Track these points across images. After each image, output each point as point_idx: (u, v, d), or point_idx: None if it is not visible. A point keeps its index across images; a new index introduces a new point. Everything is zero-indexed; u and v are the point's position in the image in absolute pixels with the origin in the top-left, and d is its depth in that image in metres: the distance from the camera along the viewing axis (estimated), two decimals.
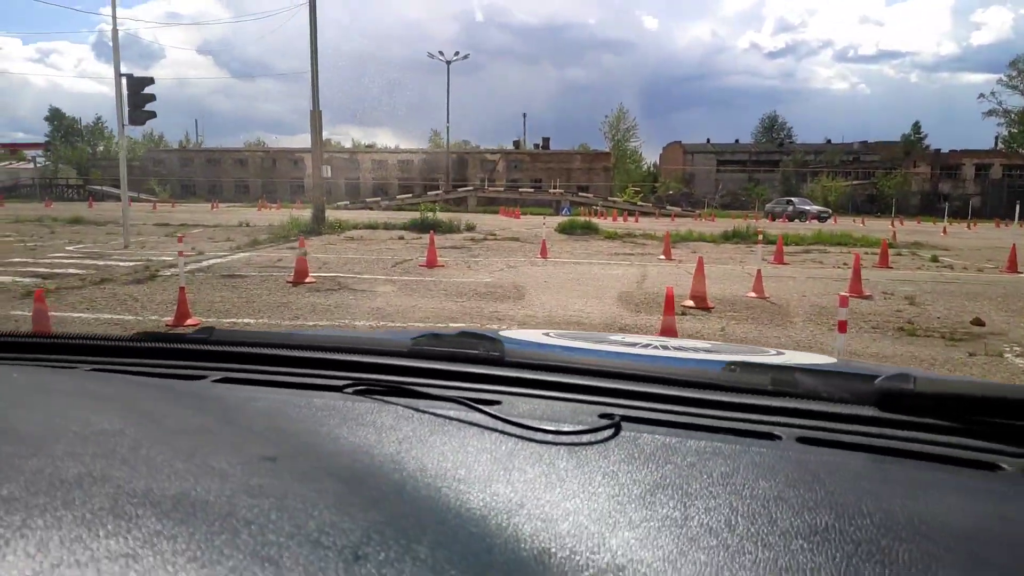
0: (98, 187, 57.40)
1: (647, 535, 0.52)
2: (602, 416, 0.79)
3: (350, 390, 0.89)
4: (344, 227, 21.12)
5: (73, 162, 68.33)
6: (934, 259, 15.56)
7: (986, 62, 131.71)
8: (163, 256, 12.85)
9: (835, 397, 0.85)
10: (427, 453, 0.67)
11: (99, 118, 74.67)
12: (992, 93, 70.52)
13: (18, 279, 9.59)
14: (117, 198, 48.29)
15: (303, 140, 57.42)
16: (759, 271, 9.43)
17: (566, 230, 19.77)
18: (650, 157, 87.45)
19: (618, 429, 0.76)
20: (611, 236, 19.54)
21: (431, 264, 11.91)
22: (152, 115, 14.55)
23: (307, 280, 9.65)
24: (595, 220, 23.49)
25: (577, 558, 0.49)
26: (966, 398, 0.78)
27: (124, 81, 14.29)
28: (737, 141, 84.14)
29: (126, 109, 14.28)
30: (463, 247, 16.06)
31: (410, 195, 53.52)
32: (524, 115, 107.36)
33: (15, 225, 20.96)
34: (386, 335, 1.34)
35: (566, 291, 9.23)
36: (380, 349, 1.10)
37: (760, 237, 12.15)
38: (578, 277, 10.93)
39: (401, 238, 18.28)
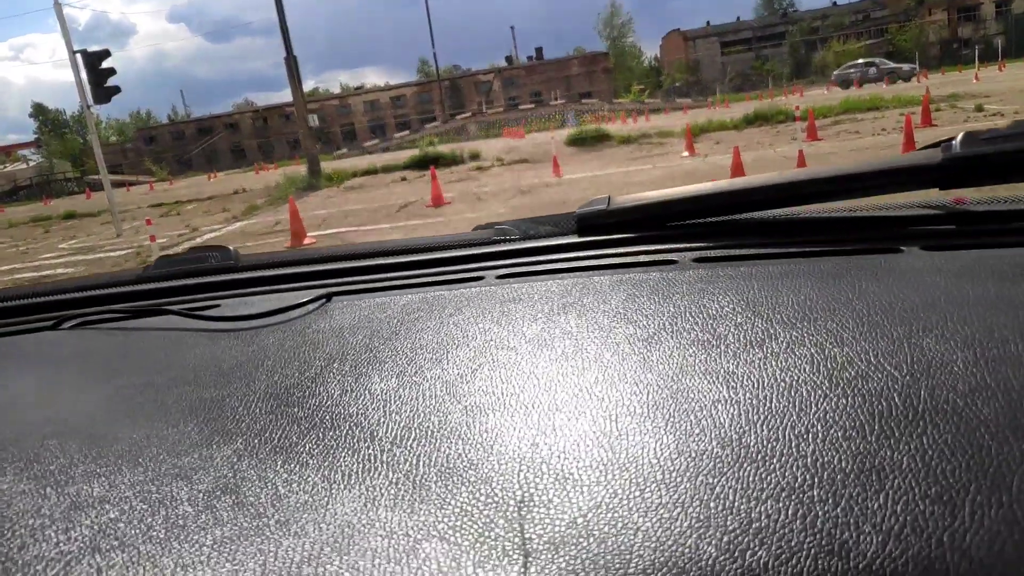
0: (95, 176, 56.60)
1: (356, 380, 0.58)
2: (316, 296, 0.82)
3: (66, 326, 0.88)
4: (343, 177, 20.05)
5: (67, 155, 67.37)
6: (979, 108, 14.18)
7: None
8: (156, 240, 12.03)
9: (543, 233, 0.89)
10: (137, 366, 0.70)
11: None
12: None
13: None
14: (114, 184, 47.55)
15: (290, 93, 55.44)
16: (801, 152, 8.32)
17: (576, 142, 18.49)
18: (650, 51, 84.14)
19: (328, 301, 0.82)
20: (625, 140, 18.25)
21: (437, 202, 10.94)
22: (116, 90, 13.46)
23: (305, 242, 8.78)
24: (605, 126, 22.09)
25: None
26: (644, 208, 0.84)
27: (79, 59, 13.17)
28: (738, 19, 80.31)
29: (88, 88, 13.21)
30: (469, 178, 15.00)
31: (407, 132, 51.89)
32: (512, 28, 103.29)
33: (9, 231, 20.27)
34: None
35: None
36: (106, 282, 1.04)
37: (797, 112, 10.87)
38: (599, 191, 9.89)
39: (404, 179, 17.21)
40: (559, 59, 69.72)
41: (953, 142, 0.69)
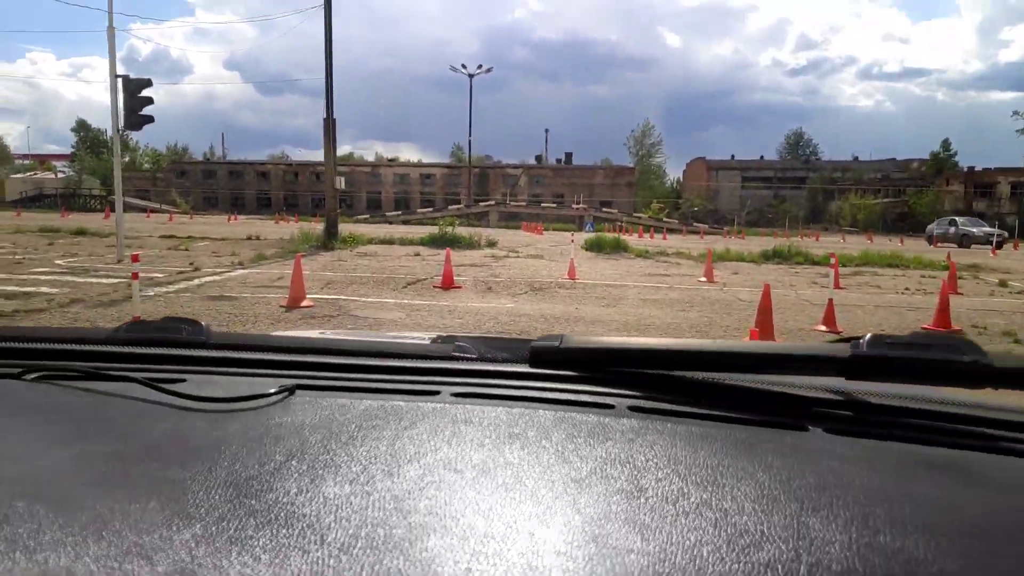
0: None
1: (312, 481, 0.59)
2: (281, 387, 0.84)
3: (30, 377, 0.88)
4: (358, 241, 19.97)
5: (99, 173, 68.36)
6: (1003, 284, 14.03)
7: (1015, 80, 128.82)
8: (154, 273, 11.73)
9: (497, 358, 0.92)
10: (104, 431, 0.71)
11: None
12: None
13: None
14: (138, 209, 48.06)
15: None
16: (831, 301, 8.03)
17: (593, 247, 18.46)
18: (673, 174, 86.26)
19: (292, 394, 0.84)
20: (642, 254, 18.18)
21: (447, 284, 10.65)
22: (149, 119, 13.51)
23: (303, 304, 8.42)
24: (623, 237, 22.14)
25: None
26: (592, 351, 0.89)
27: (120, 83, 13.28)
28: (762, 158, 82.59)
29: (121, 113, 13.26)
30: (483, 264, 14.80)
31: (431, 209, 52.54)
32: (546, 131, 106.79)
33: (14, 236, 20.08)
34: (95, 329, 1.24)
35: (602, 323, 7.89)
36: (73, 337, 1.05)
37: (833, 260, 10.57)
38: (614, 303, 9.59)
39: (417, 254, 17.05)
40: (586, 166, 71.46)
41: (861, 341, 0.75)
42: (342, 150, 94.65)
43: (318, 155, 21.10)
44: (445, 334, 1.07)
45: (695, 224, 47.96)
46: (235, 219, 41.12)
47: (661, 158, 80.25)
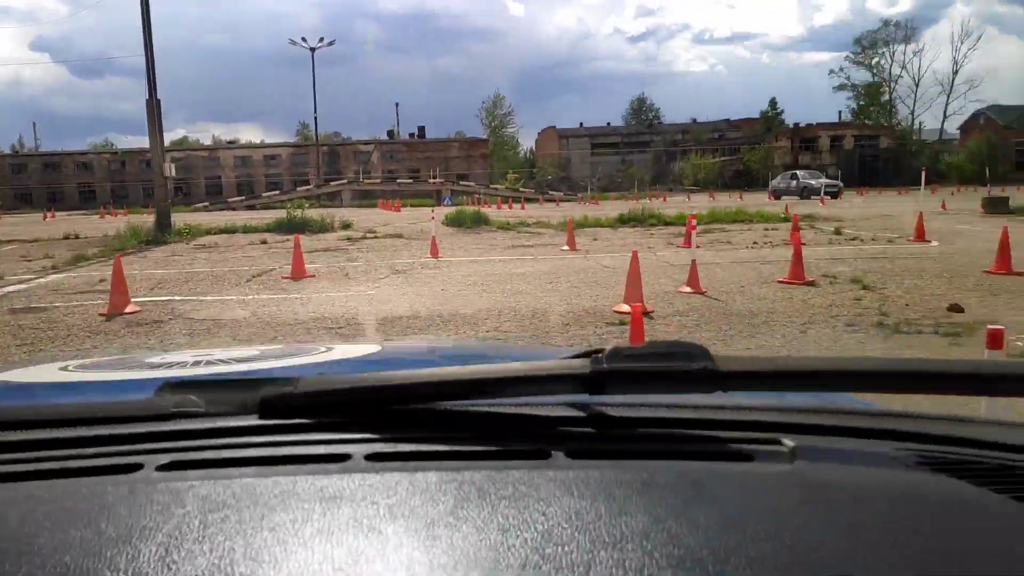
0: None
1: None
2: None
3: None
4: (196, 232, 18.27)
5: None
6: (838, 232, 14.99)
7: (829, 41, 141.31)
8: None
9: (221, 411, 0.81)
10: None
11: None
12: (841, 69, 74.80)
13: None
14: None
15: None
16: (694, 263, 8.02)
17: (454, 223, 17.95)
18: (526, 143, 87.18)
19: None
20: (504, 227, 17.90)
21: (298, 274, 9.76)
22: None
23: (127, 310, 7.31)
24: (484, 210, 21.79)
25: None
26: (329, 393, 0.81)
27: None
28: (609, 124, 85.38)
29: None
30: (338, 249, 13.88)
31: (278, 192, 49.73)
32: (397, 105, 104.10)
33: None
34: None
35: (471, 304, 7.41)
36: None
37: (691, 221, 10.68)
38: (481, 281, 9.14)
39: (264, 242, 15.76)
40: (440, 139, 70.54)
41: (601, 355, 0.74)
42: (175, 134, 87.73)
43: (148, 141, 19.08)
44: (175, 381, 0.88)
45: (550, 192, 48.60)
46: (52, 216, 36.84)
47: (514, 128, 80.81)
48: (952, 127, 72.39)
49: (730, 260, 10.66)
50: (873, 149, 71.56)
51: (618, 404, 0.81)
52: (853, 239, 13.75)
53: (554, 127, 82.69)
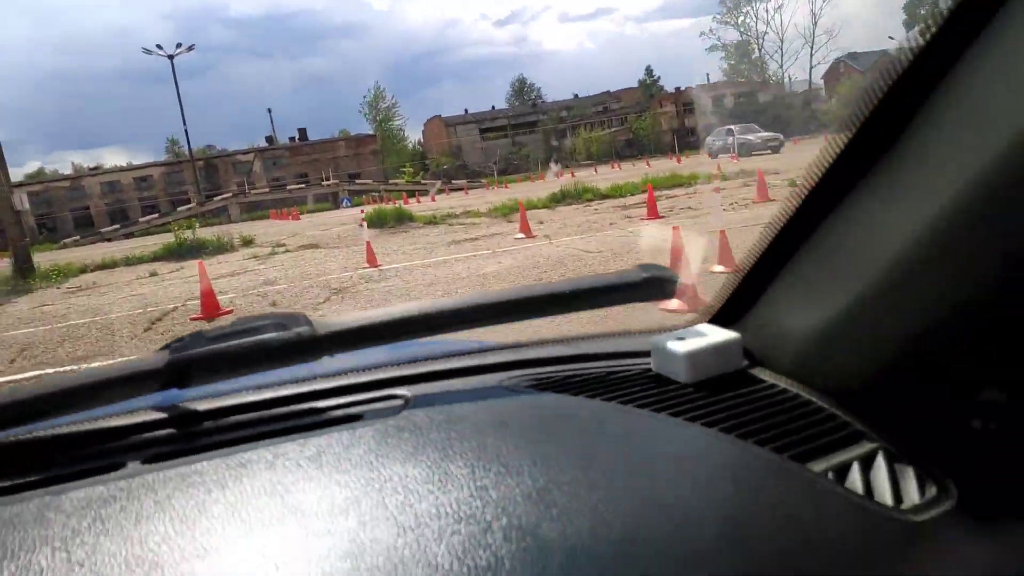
0: None
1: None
2: None
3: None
4: (67, 273, 15.33)
5: None
6: (792, 183, 14.07)
7: (685, 9, 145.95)
8: None
9: None
10: None
11: None
12: (711, 31, 76.36)
13: None
14: None
15: (15, 174, 46.39)
16: (723, 234, 6.55)
17: (376, 222, 15.84)
18: (412, 135, 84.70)
19: None
20: (431, 221, 15.99)
21: (210, 311, 7.63)
22: None
23: None
24: (389, 206, 19.78)
25: None
26: None
27: None
28: (494, 108, 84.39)
29: None
30: (249, 270, 11.64)
31: (156, 215, 45.36)
32: (269, 110, 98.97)
33: None
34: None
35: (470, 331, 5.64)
36: None
37: (648, 190, 9.11)
38: (450, 290, 7.35)
39: (153, 274, 13.19)
40: (325, 140, 67.10)
41: (178, 344, 0.69)
42: (30, 167, 79.70)
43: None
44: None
45: (454, 182, 46.72)
46: None
47: (401, 120, 78.07)
48: (817, 77, 75.38)
49: (737, 226, 9.31)
50: (754, 104, 73.63)
51: (209, 395, 0.74)
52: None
53: (440, 116, 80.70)
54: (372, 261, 9.88)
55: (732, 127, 33.80)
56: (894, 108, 0.54)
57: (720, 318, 0.81)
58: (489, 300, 0.78)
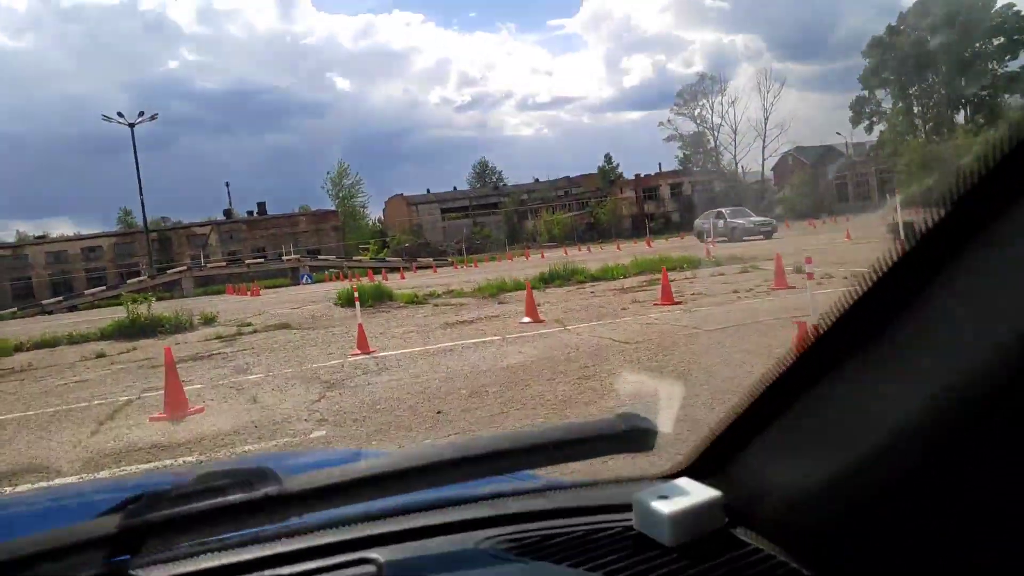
0: None
1: None
2: None
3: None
4: (2, 352, 13.59)
5: None
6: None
7: (638, 101, 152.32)
8: None
9: None
10: None
11: None
12: (668, 121, 78.80)
13: None
14: None
15: None
16: (803, 327, 5.55)
17: (350, 302, 14.60)
18: (373, 212, 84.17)
19: None
20: (413, 301, 14.79)
21: (176, 409, 6.23)
22: None
23: None
24: (383, 284, 18.56)
25: None
26: None
27: None
28: (456, 188, 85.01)
29: None
30: (214, 353, 10.20)
31: (103, 288, 42.99)
32: (227, 184, 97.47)
33: None
34: None
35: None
36: None
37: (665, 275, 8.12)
38: (477, 388, 6.13)
39: (101, 355, 11.59)
40: (285, 215, 65.91)
41: (134, 506, 0.64)
42: None
43: None
44: None
45: (419, 260, 45.74)
46: None
47: (364, 196, 77.53)
48: (767, 169, 77.76)
49: (751, 315, 8.37)
50: (711, 193, 75.38)
51: (165, 560, 0.68)
52: (845, 277, 12.13)
53: (402, 194, 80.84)
54: (364, 347, 8.61)
55: (723, 210, 32.37)
56: (894, 288, 0.55)
57: (696, 470, 0.80)
58: (472, 452, 0.74)
